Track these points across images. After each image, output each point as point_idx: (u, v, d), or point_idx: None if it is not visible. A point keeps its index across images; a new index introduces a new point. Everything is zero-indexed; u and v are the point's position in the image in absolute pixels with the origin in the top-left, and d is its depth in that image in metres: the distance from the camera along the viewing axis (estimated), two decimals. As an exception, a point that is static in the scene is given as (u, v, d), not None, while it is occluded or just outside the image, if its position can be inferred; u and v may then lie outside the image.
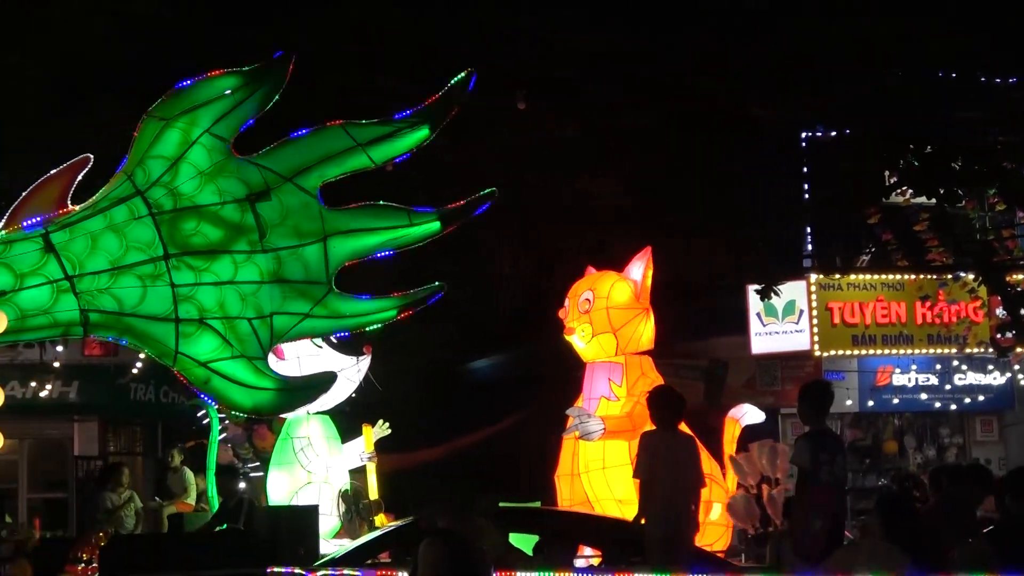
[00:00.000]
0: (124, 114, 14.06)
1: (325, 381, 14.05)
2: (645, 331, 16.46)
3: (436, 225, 13.91)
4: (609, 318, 16.28)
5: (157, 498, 20.58)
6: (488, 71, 14.51)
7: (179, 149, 13.20)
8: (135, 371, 23.19)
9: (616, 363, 16.32)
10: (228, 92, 13.24)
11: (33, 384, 22.47)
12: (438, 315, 16.00)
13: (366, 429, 17.25)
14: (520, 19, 19.97)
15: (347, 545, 14.22)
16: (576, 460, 16.21)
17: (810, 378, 20.26)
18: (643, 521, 12.27)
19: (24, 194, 12.84)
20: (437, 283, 14.05)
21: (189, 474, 19.89)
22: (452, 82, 13.95)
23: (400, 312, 13.93)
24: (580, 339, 16.35)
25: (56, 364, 22.41)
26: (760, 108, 19.04)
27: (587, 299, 16.37)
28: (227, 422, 18.97)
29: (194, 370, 13.16)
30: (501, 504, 13.17)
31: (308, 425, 16.78)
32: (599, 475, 15.96)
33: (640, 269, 16.42)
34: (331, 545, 15.42)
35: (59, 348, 21.69)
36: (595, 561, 13.64)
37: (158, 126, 13.19)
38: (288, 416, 16.13)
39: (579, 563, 13.53)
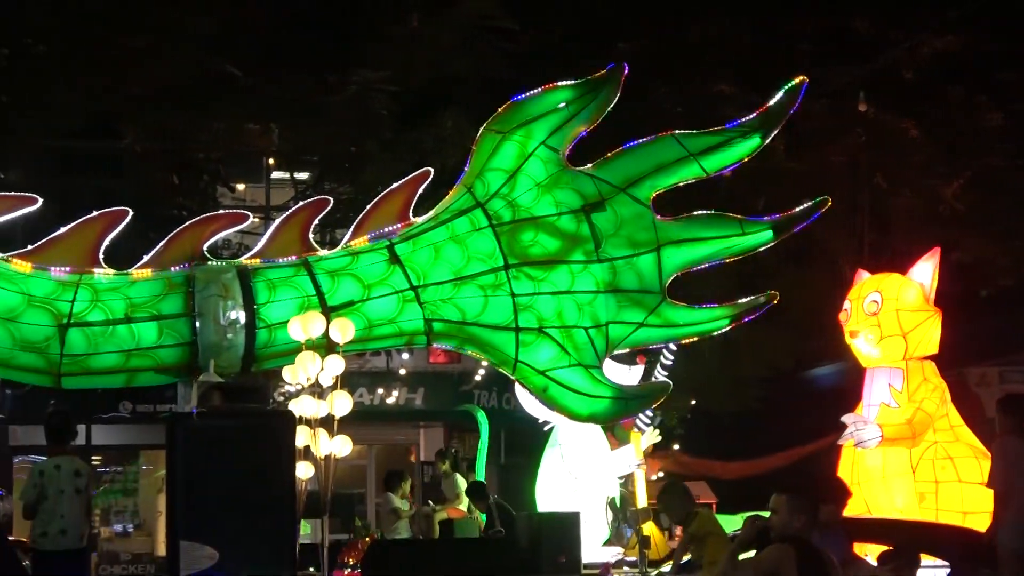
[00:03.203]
0: (464, 127, 14.41)
1: (660, 390, 14.06)
2: (934, 334, 15.77)
3: (768, 234, 13.76)
4: (899, 320, 15.63)
5: (430, 503, 20.89)
6: (827, 74, 14.29)
7: (516, 161, 13.41)
8: (478, 378, 23.61)
9: (897, 368, 15.65)
10: (562, 105, 13.40)
11: (380, 391, 23.14)
12: (778, 321, 15.80)
13: (634, 436, 17.05)
14: (858, 21, 19.59)
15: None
16: (855, 469, 15.69)
17: None
18: (997, 533, 11.80)
19: (369, 207, 13.28)
20: (768, 292, 13.91)
21: (460, 480, 20.10)
22: (784, 88, 13.78)
23: (732, 321, 13.82)
24: (866, 342, 15.73)
25: (402, 372, 23.04)
26: None
27: (874, 300, 15.67)
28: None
29: (533, 378, 13.34)
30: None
31: (576, 431, 16.52)
32: (879, 485, 15.38)
33: (928, 270, 15.72)
34: (606, 553, 15.34)
35: (405, 356, 22.28)
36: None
37: (496, 139, 13.44)
38: (556, 422, 16.06)
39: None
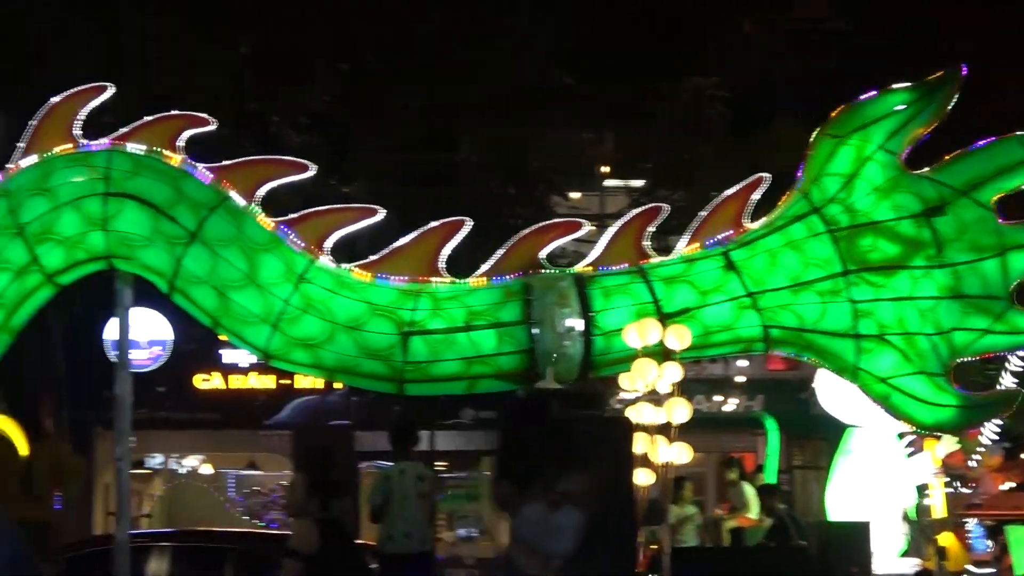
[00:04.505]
0: (796, 132, 14.21)
1: (1009, 398, 13.56)
2: None
3: None
4: None
5: (718, 511, 20.57)
6: None
7: (853, 166, 13.13)
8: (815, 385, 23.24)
9: None
10: (900, 107, 13.07)
11: (718, 398, 23.04)
12: None
13: (928, 443, 16.38)
14: None
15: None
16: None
17: None
18: None
19: (704, 214, 13.21)
20: None
21: (748, 488, 19.73)
22: None
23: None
24: None
25: (740, 379, 22.89)
26: None
27: None
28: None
29: (874, 386, 13.04)
30: None
31: (869, 438, 15.92)
32: None
33: None
34: (904, 565, 14.85)
35: (742, 363, 22.14)
36: None
37: (831, 143, 13.19)
38: (854, 428, 15.54)
39: None
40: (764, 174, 13.10)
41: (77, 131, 12.06)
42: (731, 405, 23.08)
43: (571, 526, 5.66)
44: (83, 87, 12.19)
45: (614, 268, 12.80)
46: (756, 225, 13.13)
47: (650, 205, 13.67)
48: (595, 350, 12.44)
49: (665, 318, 12.45)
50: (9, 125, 12.48)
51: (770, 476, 17.65)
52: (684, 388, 12.57)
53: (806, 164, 13.30)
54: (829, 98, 13.54)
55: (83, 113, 12.08)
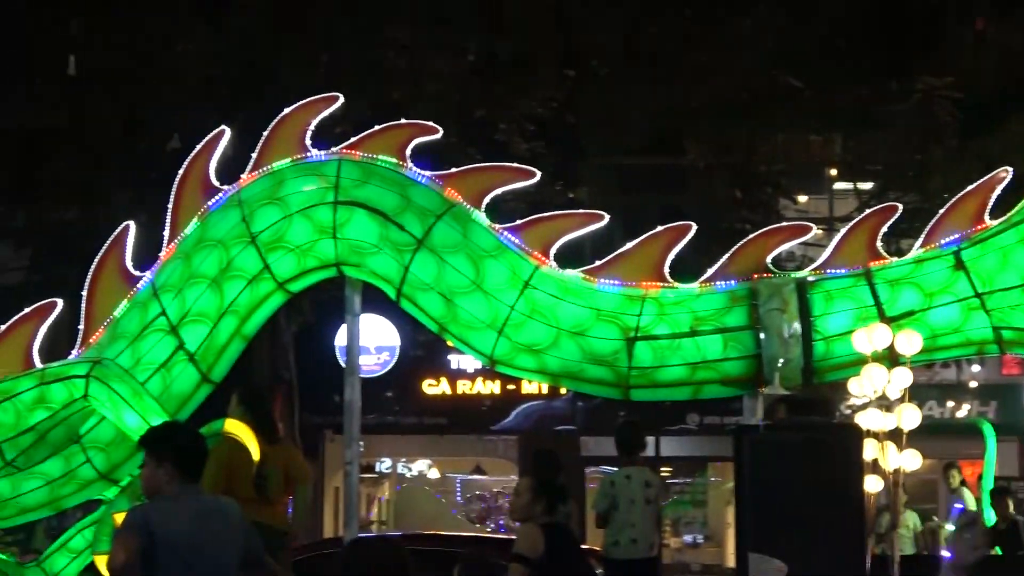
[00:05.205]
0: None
1: None
2: None
3: None
4: None
5: (935, 518, 19.95)
6: None
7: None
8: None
9: None
10: None
11: (950, 404, 22.55)
12: None
13: None
14: None
15: None
16: None
17: None
18: None
19: (940, 212, 12.86)
20: None
21: (968, 495, 19.10)
22: None
23: None
24: None
25: (973, 384, 22.35)
26: None
27: None
28: None
29: None
30: None
31: None
32: None
33: None
34: None
35: (976, 367, 21.60)
36: None
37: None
38: None
39: None
40: (1007, 168, 12.67)
41: (308, 141, 12.32)
42: (963, 411, 22.57)
43: None
44: (313, 98, 12.46)
45: (840, 271, 12.56)
46: (995, 223, 12.71)
47: (884, 204, 13.35)
48: (815, 355, 12.22)
49: (888, 322, 12.15)
50: (242, 136, 12.77)
51: (987, 484, 17.17)
52: (915, 393, 12.26)
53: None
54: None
55: (314, 123, 12.34)
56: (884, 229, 12.64)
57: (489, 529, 30.80)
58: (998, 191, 12.59)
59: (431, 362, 28.02)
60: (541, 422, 29.03)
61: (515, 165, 13.36)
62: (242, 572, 7.73)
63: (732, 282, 12.40)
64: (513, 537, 11.93)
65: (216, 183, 12.32)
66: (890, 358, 11.99)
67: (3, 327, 12.22)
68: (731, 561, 24.43)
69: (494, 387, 28.83)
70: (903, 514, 18.55)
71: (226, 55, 20.74)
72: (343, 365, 12.96)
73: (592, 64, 22.88)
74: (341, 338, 19.40)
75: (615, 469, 13.79)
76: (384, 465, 32.46)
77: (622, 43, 22.25)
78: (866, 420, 12.03)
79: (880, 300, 12.25)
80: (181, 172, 12.42)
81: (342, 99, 12.39)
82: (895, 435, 11.99)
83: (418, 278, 12.05)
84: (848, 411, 16.86)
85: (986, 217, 12.58)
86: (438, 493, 33.04)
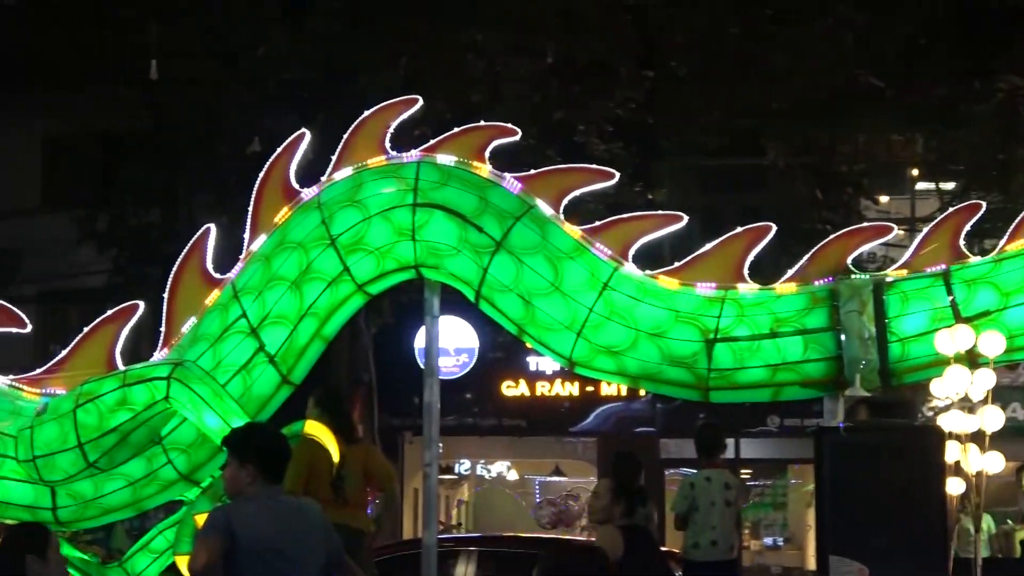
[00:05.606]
0: None
1: None
2: None
3: None
4: None
5: (1009, 521, 19.65)
6: None
7: None
8: None
9: None
10: None
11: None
12: None
13: None
14: None
15: None
16: None
17: None
18: None
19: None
20: None
21: None
22: None
23: None
24: None
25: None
26: None
27: None
28: None
29: None
30: None
31: None
32: None
33: None
34: None
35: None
36: None
37: None
38: None
39: None
40: None
41: (387, 143, 12.36)
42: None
43: None
44: (393, 101, 12.48)
45: (919, 272, 12.42)
46: (1084, 220, 12.50)
47: (968, 203, 13.17)
48: (892, 357, 12.09)
49: (963, 322, 11.99)
50: (322, 139, 12.83)
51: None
52: (998, 395, 12.12)
53: None
54: None
55: (393, 126, 12.37)
56: (967, 228, 12.48)
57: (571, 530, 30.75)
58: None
59: (510, 364, 28.05)
60: (620, 424, 28.99)
61: (594, 166, 13.32)
62: (324, 573, 7.77)
63: (813, 283, 12.32)
64: (590, 539, 11.95)
65: (296, 186, 12.39)
66: (968, 359, 11.86)
67: (86, 329, 12.36)
68: (811, 564, 24.27)
69: (573, 389, 28.83)
70: (986, 517, 18.43)
71: (305, 58, 20.88)
72: (422, 367, 12.98)
73: (671, 64, 22.82)
74: (420, 340, 19.44)
75: (695, 471, 13.74)
76: (463, 467, 32.54)
77: (701, 43, 22.19)
78: (948, 422, 11.92)
79: (956, 300, 12.10)
80: (261, 175, 12.49)
81: (421, 101, 12.41)
82: (978, 437, 11.86)
83: (497, 280, 12.04)
84: (930, 413, 16.72)
85: (1077, 215, 12.40)
86: (517, 495, 33.08)
